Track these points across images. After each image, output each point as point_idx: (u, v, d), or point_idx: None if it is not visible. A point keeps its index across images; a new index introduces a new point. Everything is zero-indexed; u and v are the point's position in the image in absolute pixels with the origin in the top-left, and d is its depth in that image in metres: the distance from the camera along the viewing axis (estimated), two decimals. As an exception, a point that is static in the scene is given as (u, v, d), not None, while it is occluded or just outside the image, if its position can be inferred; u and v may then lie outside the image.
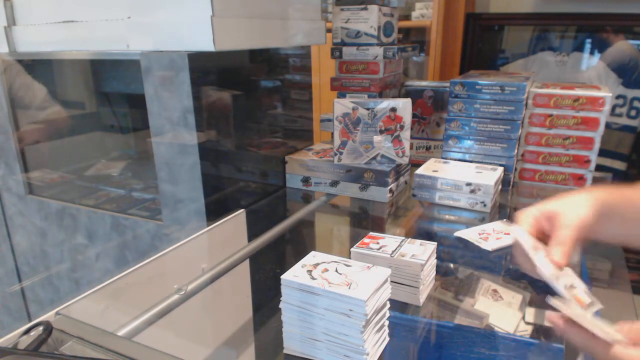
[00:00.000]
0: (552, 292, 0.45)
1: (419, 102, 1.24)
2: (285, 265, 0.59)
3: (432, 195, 1.02)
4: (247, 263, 0.83)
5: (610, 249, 0.87)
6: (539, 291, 0.71)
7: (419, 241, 0.70)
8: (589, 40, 1.84)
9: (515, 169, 1.11)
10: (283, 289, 0.55)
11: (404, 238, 0.71)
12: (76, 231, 1.24)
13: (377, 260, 0.66)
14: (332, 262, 0.58)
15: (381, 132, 1.04)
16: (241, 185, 1.07)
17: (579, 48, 1.86)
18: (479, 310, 0.66)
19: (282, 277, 0.55)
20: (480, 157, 1.09)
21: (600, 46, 1.82)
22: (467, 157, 1.11)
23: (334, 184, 1.09)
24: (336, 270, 0.56)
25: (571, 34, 1.89)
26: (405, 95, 1.27)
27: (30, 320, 0.56)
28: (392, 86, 1.24)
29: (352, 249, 0.69)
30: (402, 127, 1.03)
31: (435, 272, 0.71)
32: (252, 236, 0.90)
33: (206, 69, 0.91)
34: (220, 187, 1.00)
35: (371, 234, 0.73)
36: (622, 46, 1.78)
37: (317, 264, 0.57)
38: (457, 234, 0.88)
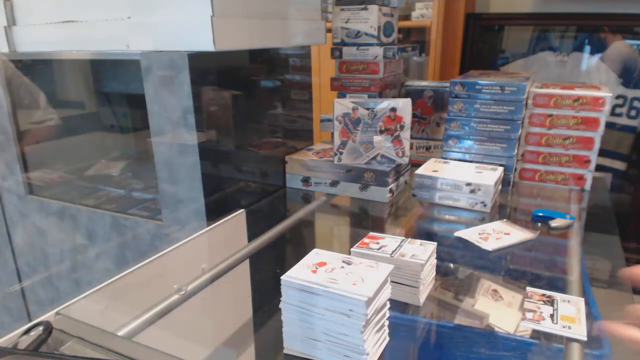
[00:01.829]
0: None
1: (419, 102, 1.24)
2: (285, 265, 0.59)
3: (432, 195, 1.02)
4: (247, 263, 0.82)
5: (610, 249, 0.87)
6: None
7: (419, 241, 0.70)
8: (589, 40, 1.84)
9: (515, 169, 1.11)
10: (283, 289, 0.55)
11: (404, 238, 0.71)
12: (76, 231, 1.24)
13: (377, 261, 0.66)
14: (336, 259, 0.58)
15: (381, 132, 1.04)
16: (241, 185, 1.07)
17: (579, 48, 1.86)
18: (479, 310, 0.66)
19: (283, 277, 0.55)
20: (480, 157, 1.09)
21: (600, 46, 1.82)
22: (467, 157, 1.11)
23: (334, 184, 1.09)
24: (341, 268, 0.56)
25: (571, 34, 1.89)
26: (405, 95, 1.27)
27: (30, 320, 0.56)
28: (392, 86, 1.24)
29: (352, 249, 0.69)
30: (402, 127, 1.03)
31: (435, 272, 0.71)
32: (252, 236, 0.90)
33: (206, 69, 0.91)
34: (220, 187, 1.00)
35: (371, 234, 0.73)
36: (621, 46, 1.78)
37: (322, 262, 0.57)
38: (457, 234, 0.88)
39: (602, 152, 1.05)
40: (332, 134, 1.09)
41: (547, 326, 0.58)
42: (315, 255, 0.59)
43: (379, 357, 0.55)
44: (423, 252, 0.66)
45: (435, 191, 1.01)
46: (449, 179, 1.00)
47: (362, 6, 1.12)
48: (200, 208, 0.95)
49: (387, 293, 0.56)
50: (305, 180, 1.13)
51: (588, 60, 1.85)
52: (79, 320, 0.59)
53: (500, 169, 1.05)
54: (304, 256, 0.59)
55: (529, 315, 0.61)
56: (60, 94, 1.44)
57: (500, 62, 2.03)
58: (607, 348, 0.56)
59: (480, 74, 1.16)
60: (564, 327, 0.58)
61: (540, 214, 0.94)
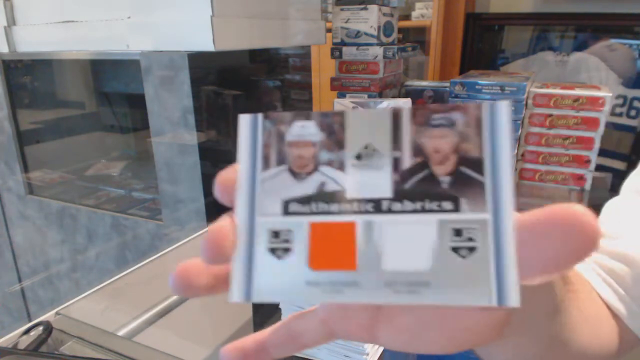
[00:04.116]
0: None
1: (419, 102, 1.24)
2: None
3: (432, 195, 1.02)
4: (247, 263, 0.82)
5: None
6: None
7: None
8: (589, 40, 1.85)
9: (515, 169, 1.11)
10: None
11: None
12: (76, 231, 1.23)
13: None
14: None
15: (381, 132, 1.04)
16: (241, 185, 1.07)
17: (579, 48, 1.87)
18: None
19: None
20: (480, 157, 1.09)
21: (600, 46, 1.82)
22: (467, 157, 1.11)
23: (334, 184, 1.09)
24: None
25: (571, 34, 1.89)
26: (405, 95, 1.27)
27: (30, 320, 0.56)
28: (392, 86, 1.24)
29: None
30: (402, 127, 1.03)
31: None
32: (252, 236, 0.90)
33: (206, 69, 0.91)
34: (220, 187, 1.00)
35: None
36: (621, 46, 1.78)
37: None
38: (457, 234, 0.88)
39: (602, 152, 1.05)
40: (332, 134, 1.08)
41: None
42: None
43: (379, 357, 0.55)
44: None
45: (435, 191, 1.01)
46: (449, 179, 0.99)
47: (362, 6, 1.12)
48: (200, 208, 0.95)
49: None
50: (305, 180, 1.13)
51: (588, 60, 1.85)
52: (79, 320, 0.59)
53: (500, 169, 1.05)
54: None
55: None
56: (61, 94, 1.44)
57: (500, 62, 2.03)
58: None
59: (480, 74, 1.16)
60: None
61: (540, 214, 0.94)
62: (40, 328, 0.54)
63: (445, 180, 0.18)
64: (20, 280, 1.48)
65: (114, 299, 0.67)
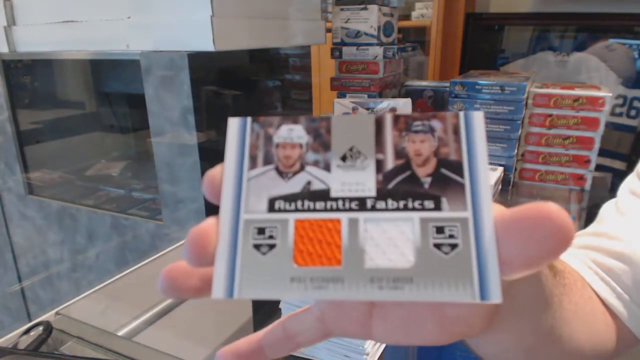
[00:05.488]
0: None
1: (419, 102, 1.24)
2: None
3: (432, 195, 1.02)
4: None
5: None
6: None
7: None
8: (588, 40, 1.85)
9: (515, 169, 1.11)
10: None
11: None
12: (76, 231, 1.24)
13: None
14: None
15: (381, 132, 1.04)
16: (241, 185, 1.07)
17: (579, 48, 1.86)
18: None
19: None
20: (480, 157, 1.09)
21: (600, 46, 1.82)
22: (467, 157, 1.11)
23: (334, 184, 1.09)
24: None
25: (571, 34, 1.89)
26: (405, 95, 1.27)
27: (30, 320, 0.56)
28: (392, 86, 1.24)
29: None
30: (402, 127, 1.03)
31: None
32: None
33: (206, 69, 0.91)
34: (220, 187, 1.00)
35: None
36: (620, 46, 1.79)
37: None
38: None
39: (602, 152, 1.05)
40: (332, 134, 1.08)
41: None
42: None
43: (379, 357, 0.55)
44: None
45: (435, 191, 1.01)
46: (449, 179, 0.99)
47: (362, 6, 1.12)
48: (200, 208, 0.95)
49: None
50: (305, 180, 1.13)
51: (588, 60, 1.84)
52: (79, 320, 0.59)
53: (500, 169, 1.05)
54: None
55: None
56: (60, 94, 1.44)
57: (500, 62, 2.02)
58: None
59: (480, 74, 1.16)
60: None
61: (540, 214, 0.94)
62: (40, 328, 0.54)
63: (426, 180, 0.19)
64: (20, 280, 1.48)
65: (114, 299, 0.67)
